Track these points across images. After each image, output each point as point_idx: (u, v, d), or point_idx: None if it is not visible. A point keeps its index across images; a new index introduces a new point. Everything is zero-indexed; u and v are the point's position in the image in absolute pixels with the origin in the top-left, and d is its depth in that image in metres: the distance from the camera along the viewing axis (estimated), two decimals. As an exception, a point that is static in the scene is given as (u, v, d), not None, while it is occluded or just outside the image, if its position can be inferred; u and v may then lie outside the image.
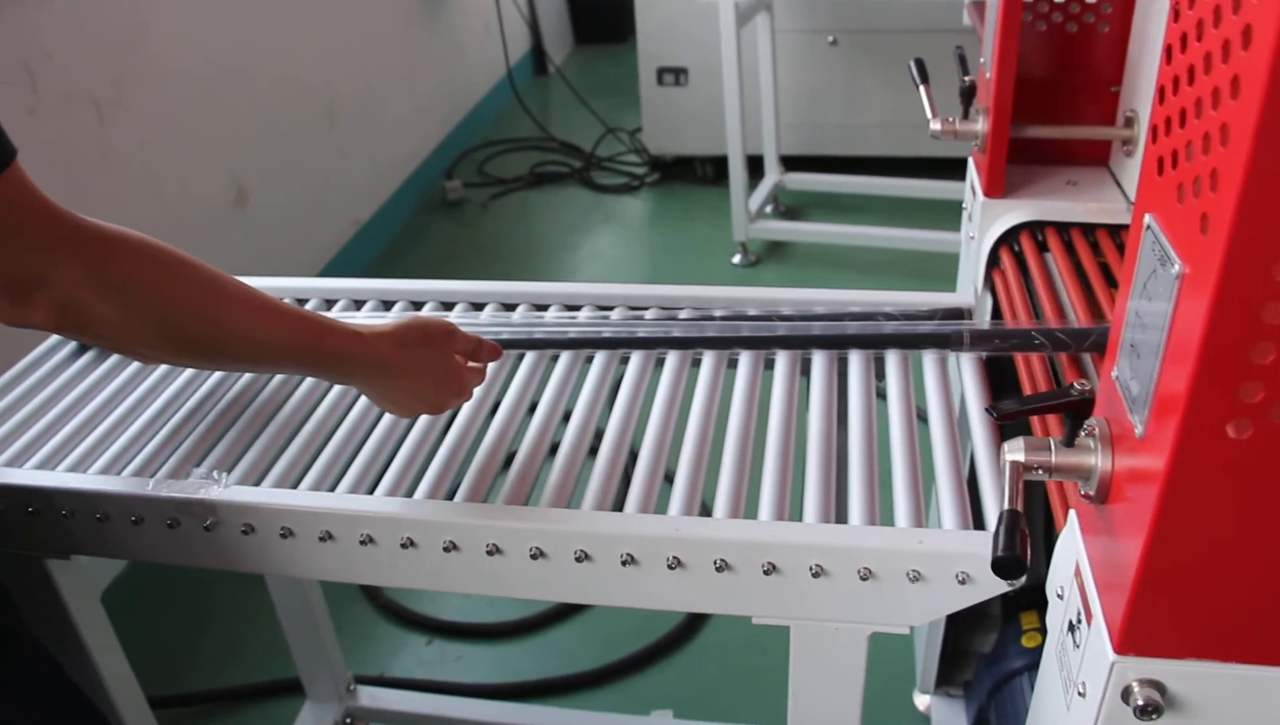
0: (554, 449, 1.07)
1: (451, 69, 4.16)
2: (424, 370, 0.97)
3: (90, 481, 1.04)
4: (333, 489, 1.02)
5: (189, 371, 1.21)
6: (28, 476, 1.05)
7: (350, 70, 3.31)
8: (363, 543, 0.97)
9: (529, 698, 1.91)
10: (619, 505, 0.97)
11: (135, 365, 1.23)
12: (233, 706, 1.94)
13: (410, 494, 1.01)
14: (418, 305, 1.32)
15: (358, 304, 1.34)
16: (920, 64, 1.34)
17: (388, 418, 1.12)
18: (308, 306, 1.33)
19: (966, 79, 1.27)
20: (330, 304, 1.34)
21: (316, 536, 0.98)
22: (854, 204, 3.56)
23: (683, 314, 1.25)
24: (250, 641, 2.04)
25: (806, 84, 3.56)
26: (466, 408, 1.12)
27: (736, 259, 3.34)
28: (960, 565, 0.89)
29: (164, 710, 1.91)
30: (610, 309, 1.28)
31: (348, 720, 1.80)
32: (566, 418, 1.11)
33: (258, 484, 1.03)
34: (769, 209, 3.50)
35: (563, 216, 3.79)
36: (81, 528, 1.04)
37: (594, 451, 1.06)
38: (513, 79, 4.51)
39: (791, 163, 3.57)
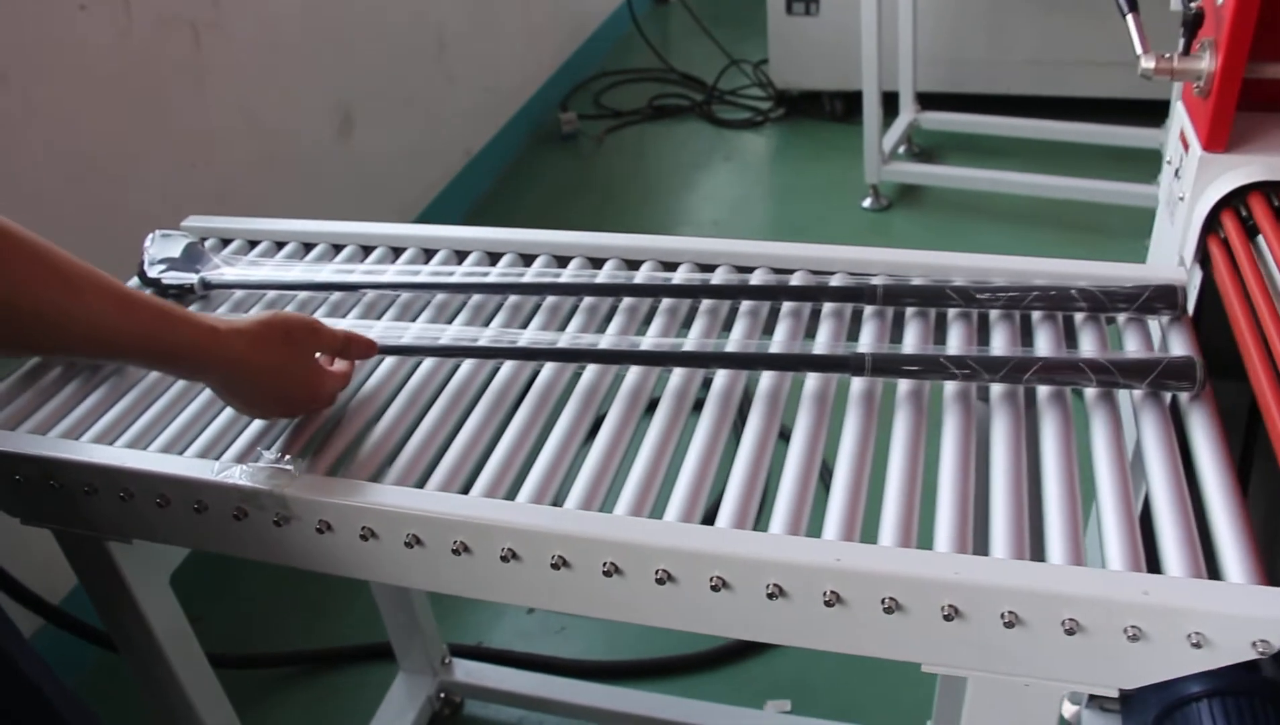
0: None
1: (568, -6, 3.97)
2: (281, 371, 0.90)
3: (151, 461, 0.91)
4: (421, 485, 0.87)
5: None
6: (84, 451, 0.93)
7: (462, -7, 3.14)
8: (455, 552, 0.82)
9: (634, 679, 1.77)
10: (761, 522, 0.80)
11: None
12: (327, 669, 1.84)
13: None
14: (528, 259, 1.16)
15: (460, 256, 1.18)
16: (1129, -12, 1.13)
17: (480, 408, 0.97)
18: (404, 256, 1.18)
19: (1192, 5, 1.05)
20: (429, 255, 1.19)
21: (403, 541, 0.84)
22: (995, 146, 3.28)
23: (834, 281, 1.07)
24: (351, 599, 1.93)
25: (947, 16, 3.28)
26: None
27: (867, 203, 3.11)
28: (1194, 624, 0.70)
29: (256, 670, 1.83)
30: (751, 270, 1.11)
31: (441, 695, 1.69)
32: (699, 405, 0.94)
33: (334, 473, 0.89)
34: (902, 150, 3.26)
35: (681, 152, 3.59)
36: (141, 511, 0.91)
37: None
38: (632, 6, 4.29)
39: (928, 100, 3.31)
